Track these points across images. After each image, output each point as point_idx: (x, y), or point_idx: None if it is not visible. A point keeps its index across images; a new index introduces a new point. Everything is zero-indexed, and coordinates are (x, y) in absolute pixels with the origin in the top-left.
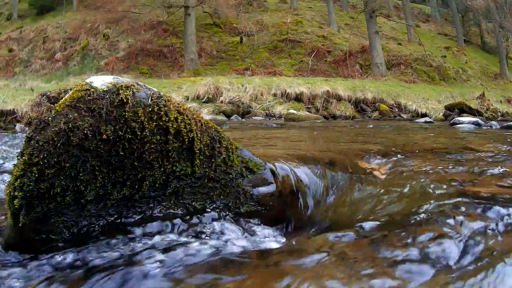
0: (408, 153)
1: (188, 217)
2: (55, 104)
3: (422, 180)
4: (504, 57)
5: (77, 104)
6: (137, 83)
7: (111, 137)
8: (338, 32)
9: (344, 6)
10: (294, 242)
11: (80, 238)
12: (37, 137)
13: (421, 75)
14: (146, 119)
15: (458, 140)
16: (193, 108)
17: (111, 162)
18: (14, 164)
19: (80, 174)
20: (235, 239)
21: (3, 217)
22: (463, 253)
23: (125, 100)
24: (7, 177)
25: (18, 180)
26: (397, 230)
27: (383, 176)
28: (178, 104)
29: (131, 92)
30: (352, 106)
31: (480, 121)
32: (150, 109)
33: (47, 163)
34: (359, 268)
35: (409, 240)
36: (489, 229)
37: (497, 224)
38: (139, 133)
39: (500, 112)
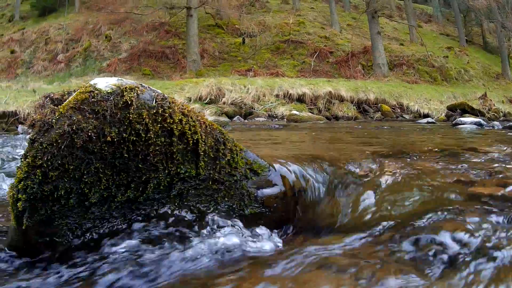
0: (412, 154)
1: (192, 219)
2: (59, 106)
3: (427, 181)
4: (506, 57)
5: (81, 106)
6: (141, 84)
7: (115, 139)
8: (340, 33)
9: (346, 7)
10: (296, 245)
11: (85, 240)
12: (41, 139)
13: (423, 76)
14: (150, 121)
15: (461, 141)
16: (196, 109)
17: (115, 164)
18: (17, 166)
19: (84, 177)
20: (238, 242)
21: (3, 219)
22: (468, 252)
23: (129, 102)
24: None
25: (22, 182)
26: (404, 232)
27: (388, 177)
28: (182, 105)
29: (135, 94)
30: (355, 107)
31: (482, 122)
32: (154, 111)
33: (51, 165)
34: (359, 272)
35: (415, 242)
36: (494, 230)
37: (503, 225)
38: (144, 135)
39: (502, 112)
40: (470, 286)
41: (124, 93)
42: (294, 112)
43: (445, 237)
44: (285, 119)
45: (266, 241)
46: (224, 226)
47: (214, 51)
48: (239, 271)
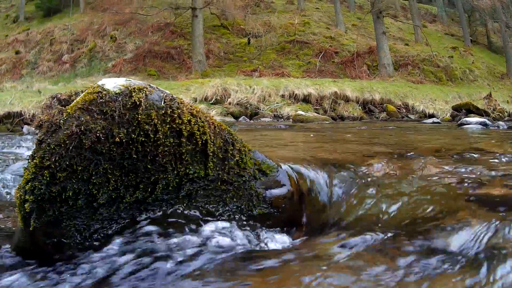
0: (419, 154)
1: (200, 220)
2: (67, 107)
3: (435, 182)
4: (510, 57)
5: (89, 107)
6: (149, 85)
7: (124, 140)
8: (346, 33)
9: (351, 7)
10: (304, 245)
11: (92, 242)
12: (49, 140)
13: (428, 76)
14: (159, 122)
15: (467, 141)
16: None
17: (124, 165)
18: (24, 167)
19: (93, 177)
20: (247, 243)
21: (8, 220)
22: (473, 251)
23: (138, 103)
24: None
25: (29, 183)
26: (412, 233)
27: (395, 178)
28: (191, 106)
29: (144, 94)
30: (360, 107)
31: (487, 122)
32: (163, 112)
33: (58, 166)
34: (363, 271)
35: (423, 242)
36: (500, 230)
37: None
38: (152, 136)
39: (507, 112)
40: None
41: (133, 94)
42: (300, 112)
43: (451, 238)
44: (291, 120)
45: (274, 242)
46: (233, 227)
47: (219, 51)
48: (247, 274)
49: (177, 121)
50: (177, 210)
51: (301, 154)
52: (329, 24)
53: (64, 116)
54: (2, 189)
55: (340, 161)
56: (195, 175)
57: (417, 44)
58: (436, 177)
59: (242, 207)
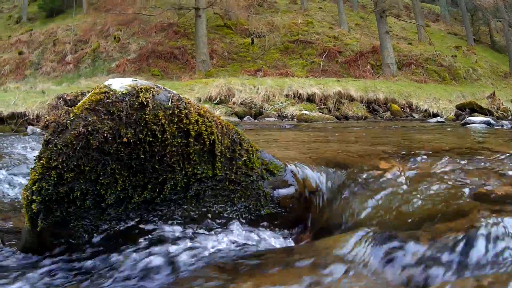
0: (425, 154)
1: (208, 219)
2: (73, 107)
3: (441, 181)
4: None
5: (96, 107)
6: (156, 85)
7: (131, 140)
8: (349, 33)
9: (354, 6)
10: (311, 244)
11: (101, 241)
12: (56, 140)
13: (432, 75)
14: (166, 122)
15: (472, 140)
16: None
17: (131, 165)
18: (31, 167)
19: (100, 178)
20: (255, 243)
21: (15, 220)
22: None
23: (145, 103)
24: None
25: (36, 184)
26: (420, 233)
27: (402, 178)
28: (198, 106)
29: (151, 94)
30: (364, 107)
31: (491, 121)
32: (170, 112)
33: (66, 166)
34: (368, 268)
35: (431, 242)
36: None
37: None
38: (160, 136)
39: (510, 111)
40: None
41: (140, 94)
42: (304, 112)
43: (458, 237)
44: (295, 119)
45: (282, 241)
46: (241, 227)
47: (223, 51)
48: (254, 273)
49: (184, 121)
50: (185, 210)
51: (307, 154)
52: (332, 24)
53: (71, 116)
54: (8, 189)
55: (346, 161)
56: (203, 175)
57: (421, 43)
58: (444, 177)
59: (250, 207)
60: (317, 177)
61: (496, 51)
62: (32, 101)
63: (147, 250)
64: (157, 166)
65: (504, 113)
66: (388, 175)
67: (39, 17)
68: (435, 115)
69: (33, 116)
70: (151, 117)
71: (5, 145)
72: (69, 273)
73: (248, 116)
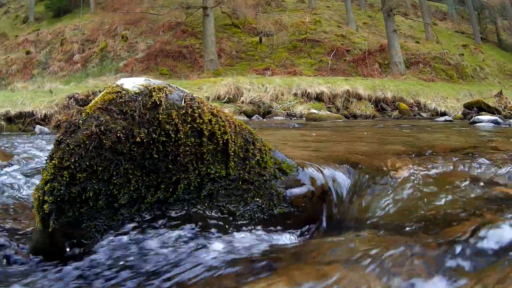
0: (436, 153)
1: (221, 219)
2: (85, 107)
3: (452, 180)
4: None
5: (109, 107)
6: (169, 84)
7: (144, 140)
8: (357, 31)
9: (362, 5)
10: (323, 243)
11: (114, 242)
12: (68, 140)
13: (439, 74)
14: (180, 121)
15: (482, 140)
16: None
17: (144, 165)
18: (42, 167)
19: (113, 178)
20: (267, 243)
21: (25, 221)
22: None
23: (158, 102)
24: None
25: (48, 184)
26: (428, 231)
27: (415, 177)
28: (211, 105)
29: (164, 94)
30: (372, 105)
31: (499, 120)
32: (183, 111)
33: (78, 166)
34: (379, 267)
35: (443, 242)
36: None
37: None
38: (173, 136)
39: None
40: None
41: (153, 94)
42: (313, 110)
43: (468, 239)
44: (304, 118)
45: (294, 240)
46: (253, 226)
47: (231, 50)
48: (266, 272)
49: (198, 121)
50: (199, 210)
51: (319, 153)
52: (340, 22)
53: (83, 116)
54: (17, 189)
55: (358, 160)
56: (217, 174)
57: (428, 42)
58: (456, 176)
59: (263, 206)
60: (329, 176)
61: (503, 50)
62: (40, 100)
63: (160, 250)
64: (170, 166)
65: (511, 112)
66: (401, 175)
67: (46, 16)
68: (443, 113)
69: (41, 115)
70: (165, 116)
71: (16, 144)
72: (82, 274)
73: (256, 115)
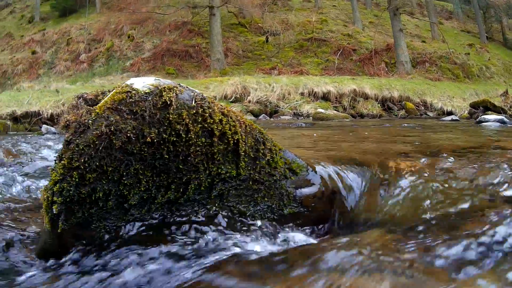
0: (445, 152)
1: (231, 220)
2: (95, 107)
3: (462, 180)
4: None
5: (119, 107)
6: (179, 84)
7: (155, 140)
8: (363, 30)
9: (368, 4)
10: (333, 243)
11: (123, 243)
12: (77, 140)
13: (445, 73)
14: (190, 121)
15: (490, 139)
16: None
17: (155, 165)
18: (51, 168)
19: (123, 178)
20: (278, 242)
21: (33, 221)
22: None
23: (168, 102)
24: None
25: (57, 185)
26: (442, 231)
27: (424, 176)
28: (221, 105)
29: (174, 94)
30: (379, 105)
31: (505, 119)
32: (194, 111)
33: (88, 167)
34: (388, 267)
35: (450, 243)
36: None
37: None
38: (184, 136)
39: None
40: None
41: (163, 93)
42: (320, 110)
43: (477, 238)
44: (311, 117)
45: (304, 240)
46: (263, 226)
47: (237, 49)
48: (278, 273)
49: (208, 121)
50: (208, 210)
51: (328, 152)
52: (346, 22)
53: (93, 116)
54: (23, 190)
55: (367, 159)
56: (227, 174)
57: (434, 41)
58: (465, 176)
59: (273, 206)
60: (338, 176)
61: (509, 49)
62: (46, 100)
63: (170, 251)
64: (181, 166)
65: None
66: (410, 175)
67: (52, 16)
68: (449, 113)
69: (47, 115)
70: (175, 116)
71: (21, 143)
72: (91, 274)
73: (263, 114)
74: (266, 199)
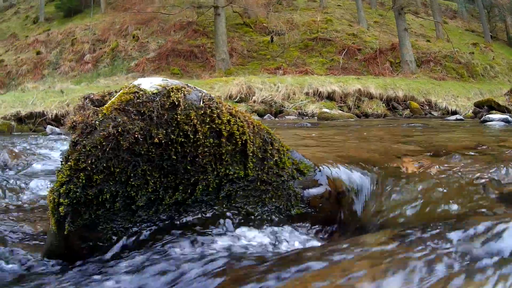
0: (451, 152)
1: (239, 221)
2: (102, 107)
3: (469, 180)
4: None
5: (126, 107)
6: (187, 85)
7: (163, 141)
8: (368, 30)
9: (373, 4)
10: (340, 244)
11: (131, 244)
12: (84, 141)
13: (450, 72)
14: (198, 122)
15: (495, 139)
16: None
17: (163, 166)
18: (57, 169)
19: (131, 179)
20: (285, 243)
21: (38, 223)
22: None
23: (176, 103)
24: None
25: (64, 186)
26: (447, 230)
27: (431, 177)
28: (229, 106)
29: (182, 94)
30: (384, 104)
31: (509, 118)
32: (202, 112)
33: (95, 168)
34: (394, 265)
35: (457, 241)
36: None
37: None
38: (192, 137)
39: None
40: None
41: (171, 94)
42: (325, 110)
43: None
44: (316, 117)
45: (312, 241)
46: (271, 227)
47: (242, 49)
48: (284, 273)
49: (216, 121)
50: (216, 211)
51: (335, 153)
52: (351, 21)
53: (100, 117)
54: (27, 191)
55: (374, 159)
56: (235, 175)
57: (439, 40)
58: (472, 176)
59: (281, 207)
60: (346, 176)
61: None
62: (51, 100)
63: (178, 253)
64: (189, 167)
65: None
66: (417, 175)
67: (57, 17)
68: (454, 112)
69: (51, 115)
70: (183, 117)
71: (25, 144)
72: (98, 277)
73: (268, 114)
74: (274, 199)
